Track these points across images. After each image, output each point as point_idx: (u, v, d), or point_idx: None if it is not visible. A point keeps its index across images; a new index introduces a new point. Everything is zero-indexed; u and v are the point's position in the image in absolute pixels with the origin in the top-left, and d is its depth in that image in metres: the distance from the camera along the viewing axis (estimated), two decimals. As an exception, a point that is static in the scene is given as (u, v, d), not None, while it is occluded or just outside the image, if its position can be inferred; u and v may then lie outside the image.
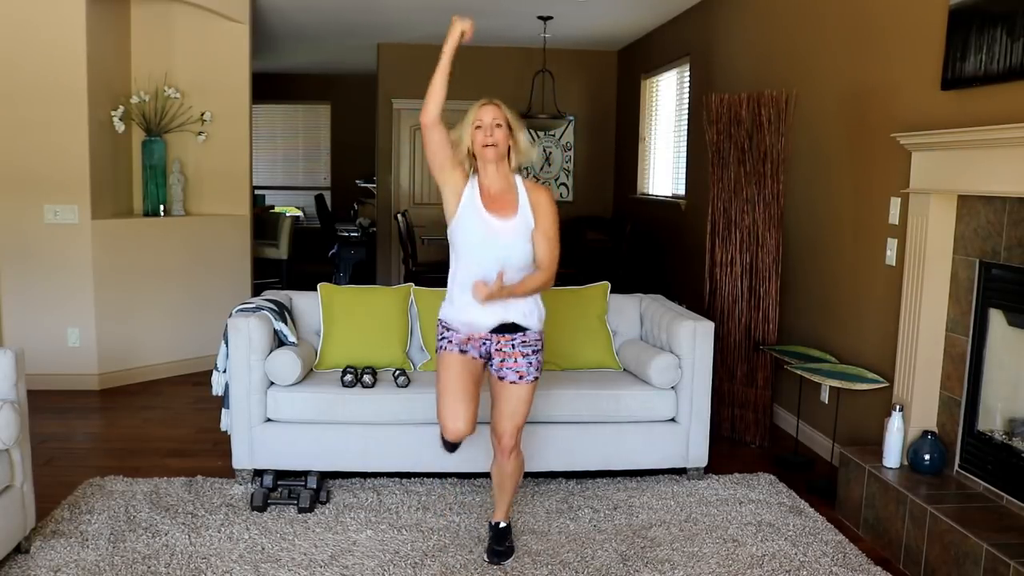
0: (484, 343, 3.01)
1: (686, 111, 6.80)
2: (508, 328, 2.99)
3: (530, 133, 8.88)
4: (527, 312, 3.00)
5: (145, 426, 4.75)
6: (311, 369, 4.01)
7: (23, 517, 3.05)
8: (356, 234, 9.87)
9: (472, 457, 3.58)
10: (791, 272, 4.76)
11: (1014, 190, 2.97)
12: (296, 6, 6.87)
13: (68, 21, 5.14)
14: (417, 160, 9.09)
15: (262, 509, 3.53)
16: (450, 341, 3.03)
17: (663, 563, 3.17)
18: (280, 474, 3.75)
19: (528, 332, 3.02)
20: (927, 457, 3.38)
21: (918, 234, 3.49)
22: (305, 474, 3.72)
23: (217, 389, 3.94)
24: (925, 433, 3.41)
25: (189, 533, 3.31)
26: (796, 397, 4.60)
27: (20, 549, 3.10)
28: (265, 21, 7.31)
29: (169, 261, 5.74)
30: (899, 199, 3.76)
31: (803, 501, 3.78)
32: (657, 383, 3.91)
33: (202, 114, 5.92)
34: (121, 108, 5.59)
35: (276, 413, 3.79)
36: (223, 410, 3.89)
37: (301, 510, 3.53)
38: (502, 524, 3.22)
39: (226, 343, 3.82)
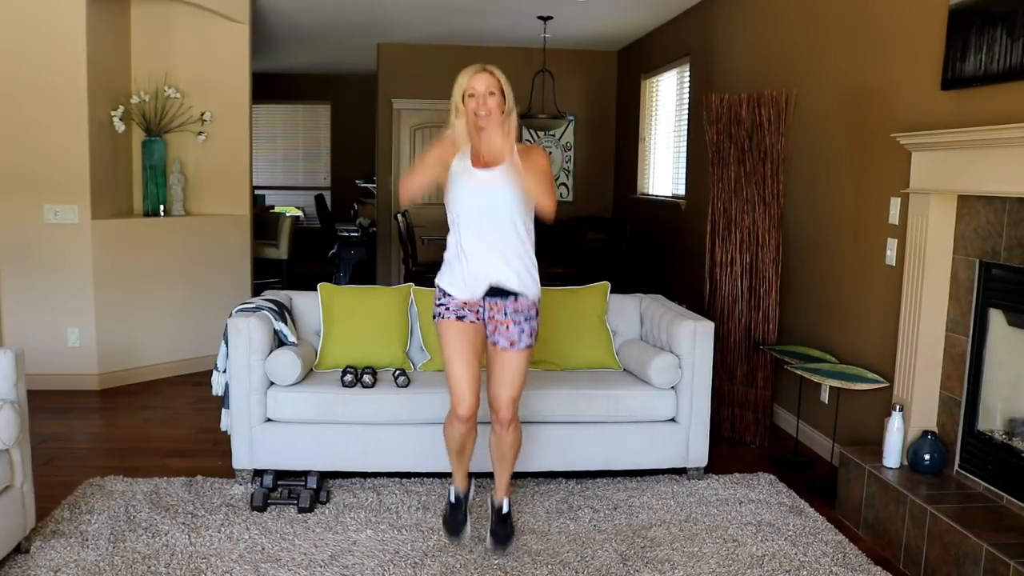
0: (479, 309, 3.02)
1: (686, 111, 6.80)
2: (500, 293, 3.00)
3: (530, 133, 8.92)
4: (520, 275, 3.01)
5: (145, 426, 4.75)
6: (311, 369, 4.01)
7: (23, 517, 3.05)
8: (356, 234, 9.87)
9: (472, 457, 3.58)
10: (791, 272, 4.76)
11: (1014, 190, 2.97)
12: (296, 6, 6.87)
13: (68, 21, 5.14)
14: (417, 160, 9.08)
15: (262, 509, 3.53)
16: (447, 308, 3.04)
17: (663, 563, 3.17)
18: (280, 474, 3.75)
19: (520, 298, 3.02)
20: (927, 457, 3.38)
21: (918, 234, 3.49)
22: (305, 474, 3.72)
23: (217, 389, 3.94)
24: (925, 433, 3.41)
25: (189, 533, 3.31)
26: (796, 397, 4.60)
27: (20, 549, 3.10)
28: (265, 21, 7.31)
29: (169, 261, 5.74)
30: (899, 199, 3.76)
31: (803, 501, 3.78)
32: (657, 383, 3.91)
33: (202, 114, 5.92)
34: (121, 108, 5.59)
35: (276, 413, 3.79)
36: (223, 410, 3.89)
37: (301, 510, 3.53)
38: (504, 508, 3.22)
39: (226, 343, 3.82)
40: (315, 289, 4.20)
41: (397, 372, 3.91)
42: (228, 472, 3.89)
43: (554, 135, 9.10)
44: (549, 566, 3.13)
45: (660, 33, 7.57)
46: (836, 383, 3.83)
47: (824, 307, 4.47)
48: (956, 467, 3.39)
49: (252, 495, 3.58)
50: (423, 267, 7.06)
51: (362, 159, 11.41)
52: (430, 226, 8.37)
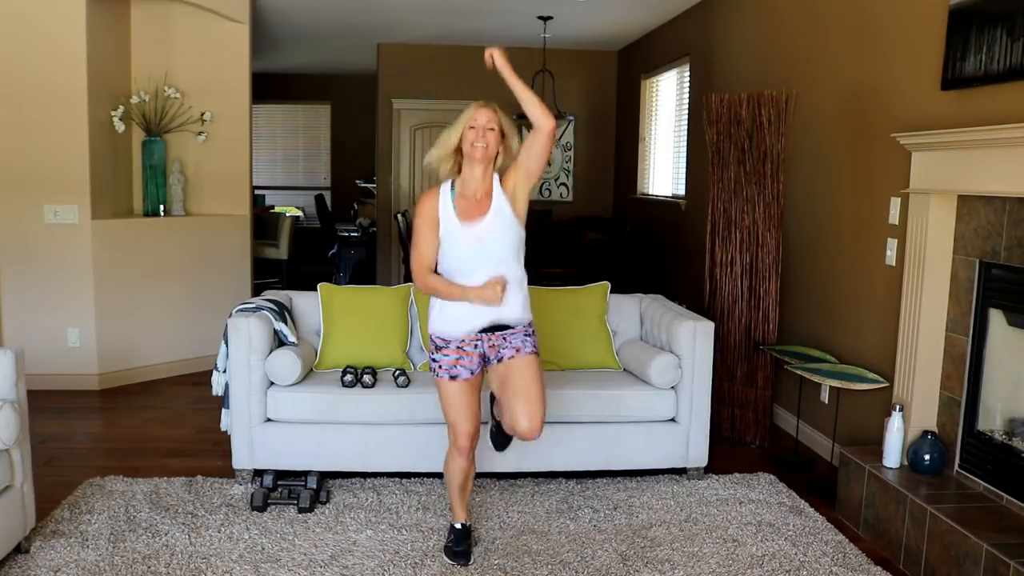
0: (476, 345, 3.00)
1: (686, 111, 6.80)
2: (497, 327, 2.99)
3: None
4: (522, 306, 3.01)
5: (145, 426, 4.75)
6: (311, 369, 4.01)
7: (23, 517, 3.05)
8: (356, 234, 9.87)
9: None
10: (791, 272, 4.76)
11: (1014, 190, 2.97)
12: (296, 6, 6.87)
13: (68, 21, 5.14)
14: (417, 160, 9.09)
15: (262, 509, 3.53)
16: (440, 366, 3.03)
17: (663, 563, 3.17)
18: (280, 474, 3.75)
19: (516, 328, 3.03)
20: (927, 457, 3.38)
21: (918, 234, 3.49)
22: (305, 474, 3.72)
23: (217, 389, 3.94)
24: (925, 433, 3.41)
25: (189, 533, 3.31)
26: (796, 397, 4.60)
27: (20, 549, 3.10)
28: (265, 21, 7.31)
29: (169, 261, 5.74)
30: (899, 199, 3.76)
31: (803, 501, 3.78)
32: (657, 383, 3.91)
33: (202, 114, 5.92)
34: (121, 108, 5.59)
35: (276, 413, 3.79)
36: (223, 410, 3.89)
37: (301, 510, 3.53)
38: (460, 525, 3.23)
39: (226, 343, 3.82)
40: (315, 289, 4.20)
41: (397, 372, 3.91)
42: (228, 472, 3.89)
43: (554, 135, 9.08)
44: (549, 566, 3.13)
45: (660, 33, 7.57)
46: (836, 383, 3.83)
47: (824, 307, 4.47)
48: (956, 467, 3.39)
49: (252, 495, 3.58)
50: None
51: (362, 159, 11.41)
52: (430, 226, 8.34)
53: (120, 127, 5.59)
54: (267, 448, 3.79)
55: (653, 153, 7.93)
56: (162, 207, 5.88)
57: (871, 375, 3.85)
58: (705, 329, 3.95)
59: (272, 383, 3.80)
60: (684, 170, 6.80)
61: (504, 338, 3.00)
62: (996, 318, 3.26)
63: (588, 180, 9.24)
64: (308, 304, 4.21)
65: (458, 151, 2.96)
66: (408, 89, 8.88)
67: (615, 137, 9.13)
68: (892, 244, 3.83)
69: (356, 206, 11.34)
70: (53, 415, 4.79)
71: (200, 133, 5.93)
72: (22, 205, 5.20)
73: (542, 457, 3.84)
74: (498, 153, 2.96)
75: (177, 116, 5.86)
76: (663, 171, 7.61)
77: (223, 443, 4.02)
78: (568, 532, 3.43)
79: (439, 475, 3.88)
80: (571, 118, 8.92)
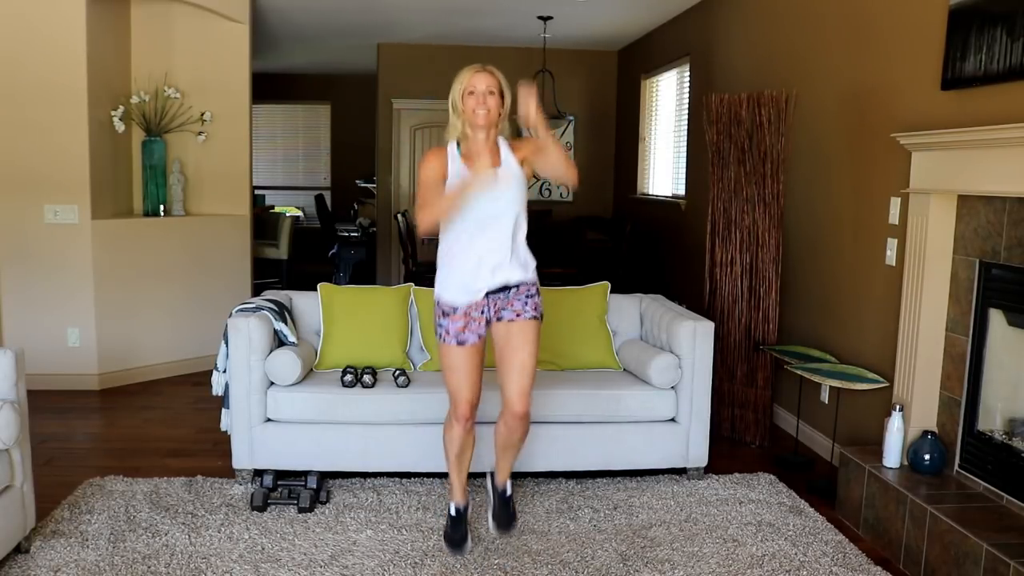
0: (483, 310, 3.00)
1: (686, 111, 6.80)
2: (501, 289, 3.00)
3: (530, 133, 8.91)
4: (524, 266, 3.02)
5: (145, 426, 4.75)
6: (311, 369, 4.01)
7: (23, 517, 3.05)
8: (356, 234, 9.87)
9: (472, 457, 3.58)
10: (791, 272, 4.76)
11: (1014, 190, 2.97)
12: (296, 6, 6.87)
13: (68, 21, 5.14)
14: (417, 160, 9.09)
15: (262, 509, 3.53)
16: (447, 331, 3.02)
17: (663, 563, 3.17)
18: (280, 474, 3.75)
19: (521, 285, 3.02)
20: (927, 457, 3.38)
21: (918, 234, 3.49)
22: (305, 474, 3.72)
23: (217, 389, 3.94)
24: (925, 433, 3.41)
25: (189, 533, 3.31)
26: (796, 397, 4.60)
27: (20, 549, 3.10)
28: (265, 21, 7.31)
29: (169, 261, 5.74)
30: (899, 199, 3.76)
31: (803, 501, 3.78)
32: (657, 383, 3.91)
33: (202, 114, 5.92)
34: (121, 108, 5.59)
35: (276, 413, 3.79)
36: (223, 410, 3.89)
37: (301, 510, 3.53)
38: (507, 492, 3.23)
39: (226, 343, 3.82)
40: (315, 289, 4.20)
41: (397, 372, 3.91)
42: (228, 472, 3.89)
43: (554, 135, 9.08)
44: (549, 566, 3.13)
45: (660, 33, 7.57)
46: (836, 383, 3.83)
47: (824, 307, 4.47)
48: (956, 467, 3.39)
49: (252, 495, 3.58)
50: (423, 267, 7.06)
51: (362, 159, 11.42)
52: (430, 226, 8.34)
53: (120, 127, 5.59)
54: (267, 448, 3.79)
55: (653, 153, 7.93)
56: (162, 207, 5.88)
57: (871, 375, 3.85)
58: (705, 329, 3.96)
59: (272, 383, 3.80)
60: (684, 170, 6.80)
61: (508, 298, 3.00)
62: (996, 318, 3.26)
63: (588, 180, 9.18)
64: (308, 304, 4.21)
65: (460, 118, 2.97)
66: (408, 89, 8.87)
67: (615, 137, 9.13)
68: (892, 244, 3.83)
69: (356, 206, 11.34)
70: (53, 415, 4.79)
71: (200, 133, 5.93)
72: (22, 205, 5.20)
73: (542, 457, 3.84)
74: (500, 115, 2.96)
75: (177, 116, 5.86)
76: (663, 171, 7.61)
77: (223, 443, 4.02)
78: (568, 532, 3.43)
79: (439, 475, 3.89)
80: (571, 118, 8.92)
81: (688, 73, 6.76)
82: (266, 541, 3.27)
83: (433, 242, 7.60)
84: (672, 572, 3.11)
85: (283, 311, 4.01)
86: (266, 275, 8.80)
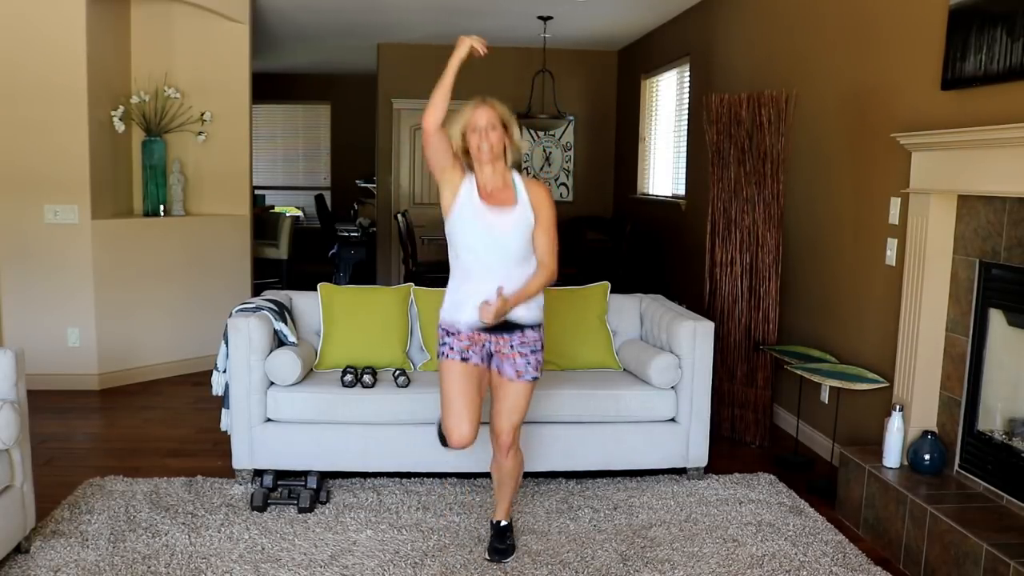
0: (485, 344, 3.00)
1: (686, 111, 6.80)
2: (507, 327, 2.98)
3: (530, 133, 8.92)
4: (529, 307, 3.00)
5: (145, 426, 4.75)
6: (311, 369, 4.01)
7: (23, 517, 3.05)
8: (356, 234, 9.87)
9: (472, 457, 3.58)
10: (791, 272, 4.76)
11: (1014, 190, 2.97)
12: (296, 6, 6.87)
13: (68, 21, 5.14)
14: (417, 160, 9.10)
15: (262, 509, 3.53)
16: (451, 348, 3.01)
17: (663, 563, 3.17)
18: (280, 474, 3.75)
19: (527, 331, 3.01)
20: (927, 457, 3.38)
21: (918, 234, 3.49)
22: (305, 474, 3.72)
23: (217, 389, 3.94)
24: (925, 433, 3.41)
25: (189, 533, 3.31)
26: (796, 397, 4.60)
27: (20, 549, 3.10)
28: (265, 21, 7.31)
29: (169, 261, 5.74)
30: (899, 199, 3.76)
31: (803, 501, 3.78)
32: (657, 383, 3.91)
33: (202, 114, 5.92)
34: (121, 108, 5.59)
35: (276, 413, 3.79)
36: (223, 410, 3.89)
37: (301, 510, 3.53)
38: (503, 522, 3.22)
39: (226, 343, 3.82)
40: (315, 289, 4.20)
41: (397, 372, 3.91)
42: (228, 472, 3.89)
43: (554, 135, 9.10)
44: (549, 566, 3.13)
45: (660, 33, 7.57)
46: (836, 383, 3.83)
47: (824, 307, 4.47)
48: (956, 467, 3.39)
49: (252, 495, 3.58)
50: (423, 267, 7.05)
51: (362, 159, 11.41)
52: (430, 226, 8.36)
53: (120, 127, 5.59)
54: (267, 448, 3.79)
55: (653, 153, 7.93)
56: (162, 207, 5.88)
57: (871, 375, 3.85)
58: (705, 329, 3.96)
59: (272, 383, 3.80)
60: (684, 170, 6.80)
61: (511, 345, 2.99)
62: (996, 318, 3.26)
63: (588, 180, 9.24)
64: (308, 304, 4.21)
65: (466, 152, 2.96)
66: (408, 89, 8.86)
67: (615, 137, 9.13)
68: (892, 244, 3.83)
69: (356, 206, 11.34)
70: (53, 415, 4.79)
71: (200, 133, 5.93)
72: (22, 205, 5.20)
73: (542, 457, 3.84)
74: (505, 147, 2.95)
75: (177, 116, 5.86)
76: (663, 171, 7.61)
77: (223, 443, 4.02)
78: (568, 532, 3.43)
79: (439, 475, 3.89)
80: (571, 118, 8.92)
81: (688, 73, 6.76)
82: (266, 541, 3.27)
83: (433, 242, 7.64)
84: (672, 572, 3.11)
85: (283, 311, 4.01)
86: (266, 275, 8.80)
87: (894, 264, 3.81)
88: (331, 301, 4.12)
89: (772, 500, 3.78)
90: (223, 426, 3.90)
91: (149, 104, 5.75)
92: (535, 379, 3.05)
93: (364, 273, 9.43)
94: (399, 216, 7.69)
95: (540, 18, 7.22)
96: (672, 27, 7.21)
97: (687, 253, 6.52)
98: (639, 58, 8.26)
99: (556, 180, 9.21)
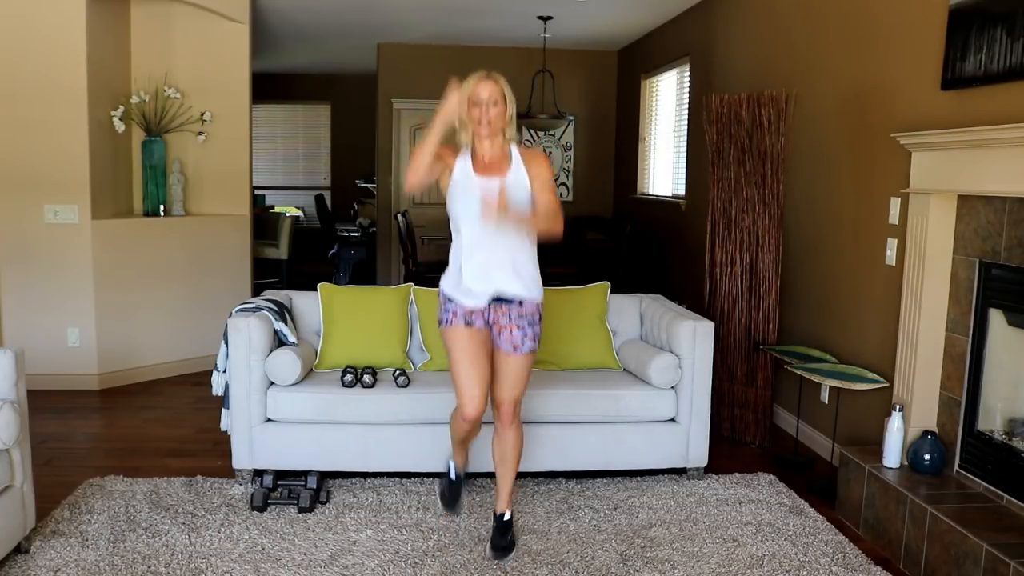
0: (485, 312, 3.03)
1: (686, 111, 6.80)
2: (505, 299, 3.01)
3: (530, 133, 8.92)
4: (525, 281, 3.02)
5: (145, 426, 4.75)
6: (311, 369, 4.01)
7: (23, 517, 3.05)
8: (356, 234, 9.87)
9: (472, 457, 3.58)
10: (791, 272, 4.76)
11: (1014, 190, 2.97)
12: (296, 6, 6.87)
13: (68, 21, 5.14)
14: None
15: (262, 509, 3.53)
16: (454, 314, 3.04)
17: (663, 563, 3.17)
18: (280, 474, 3.75)
19: (525, 303, 3.03)
20: (927, 457, 3.38)
21: (918, 234, 3.49)
22: (305, 474, 3.72)
23: (217, 389, 3.94)
24: (925, 433, 3.41)
25: (189, 533, 3.31)
26: (796, 397, 4.60)
27: (20, 549, 3.10)
28: (265, 21, 7.31)
29: (169, 261, 5.74)
30: (899, 199, 3.76)
31: (803, 501, 3.78)
32: (657, 383, 3.91)
33: (202, 114, 5.92)
34: (121, 108, 5.59)
35: (276, 413, 3.79)
36: (223, 410, 3.89)
37: (301, 510, 3.53)
38: (506, 516, 3.22)
39: (226, 343, 3.82)
40: (315, 289, 4.20)
41: (397, 372, 3.91)
42: (228, 472, 3.89)
43: (554, 135, 9.10)
44: (549, 566, 3.13)
45: (660, 33, 7.57)
46: (836, 383, 3.83)
47: (824, 307, 4.47)
48: (956, 467, 3.39)
49: (252, 495, 3.58)
50: (423, 267, 7.06)
51: (362, 159, 11.41)
52: (430, 226, 8.37)
53: (120, 127, 5.59)
54: (267, 448, 3.79)
55: (653, 153, 7.93)
56: (162, 207, 5.89)
57: (871, 375, 3.85)
58: (705, 329, 3.96)
59: (272, 383, 3.80)
60: (684, 170, 6.80)
61: (509, 316, 3.02)
62: (996, 318, 3.26)
63: (588, 180, 9.24)
64: (308, 304, 4.21)
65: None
66: (408, 89, 8.87)
67: (615, 137, 9.13)
68: (892, 244, 3.83)
69: (356, 206, 11.34)
70: (53, 415, 4.79)
71: (200, 133, 5.93)
72: (22, 205, 5.20)
73: (542, 457, 3.84)
74: (504, 122, 2.97)
75: (177, 116, 5.86)
76: (663, 171, 7.61)
77: (223, 443, 4.02)
78: (568, 532, 3.43)
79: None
80: (571, 118, 8.92)
81: (688, 73, 6.76)
82: (266, 541, 3.27)
83: (433, 242, 7.64)
84: (672, 572, 3.11)
85: (283, 311, 4.01)
86: (266, 275, 8.80)
87: (894, 264, 3.81)
88: (331, 301, 4.12)
89: (772, 500, 3.78)
90: (223, 426, 3.90)
91: (149, 104, 5.75)
92: (532, 351, 3.08)
93: (364, 273, 9.43)
94: (399, 216, 7.69)
95: (540, 18, 7.22)
96: (672, 27, 7.21)
97: (687, 253, 6.52)
98: (639, 58, 8.26)
99: (556, 180, 9.18)
